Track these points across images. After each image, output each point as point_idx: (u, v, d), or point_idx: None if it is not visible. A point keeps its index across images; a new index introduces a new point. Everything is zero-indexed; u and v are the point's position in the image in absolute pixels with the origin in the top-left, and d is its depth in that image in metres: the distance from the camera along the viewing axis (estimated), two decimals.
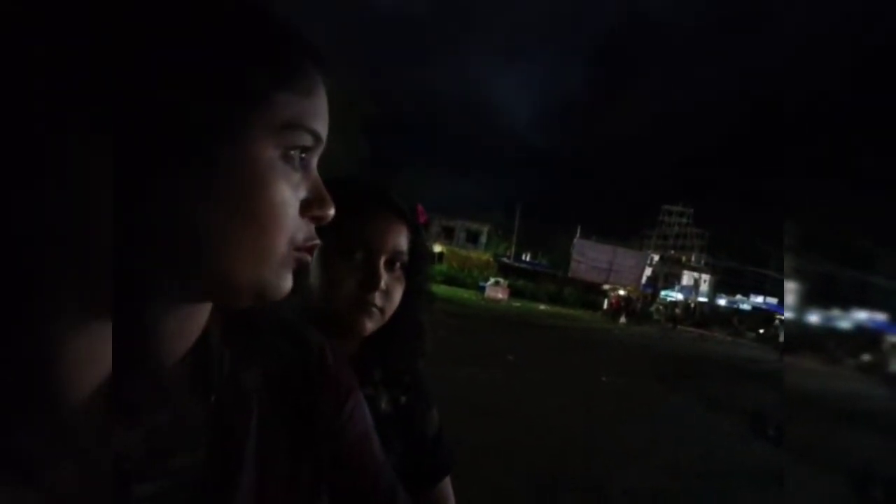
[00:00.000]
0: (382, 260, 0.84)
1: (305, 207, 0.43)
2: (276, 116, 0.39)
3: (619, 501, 4.22)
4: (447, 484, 0.95)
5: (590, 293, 38.98)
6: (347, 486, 0.56)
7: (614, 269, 43.35)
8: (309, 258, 0.43)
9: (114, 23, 0.32)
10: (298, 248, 0.42)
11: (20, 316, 0.33)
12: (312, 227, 0.44)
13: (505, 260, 43.70)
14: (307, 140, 0.41)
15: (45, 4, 0.31)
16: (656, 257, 54.18)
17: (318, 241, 0.44)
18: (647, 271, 47.16)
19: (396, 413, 0.89)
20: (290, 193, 0.41)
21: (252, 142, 0.38)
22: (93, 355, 0.36)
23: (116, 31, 0.32)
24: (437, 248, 38.12)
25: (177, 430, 0.41)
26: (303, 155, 0.42)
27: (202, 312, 0.44)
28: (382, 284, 0.83)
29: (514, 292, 32.90)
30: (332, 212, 0.45)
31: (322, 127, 0.43)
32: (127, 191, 0.32)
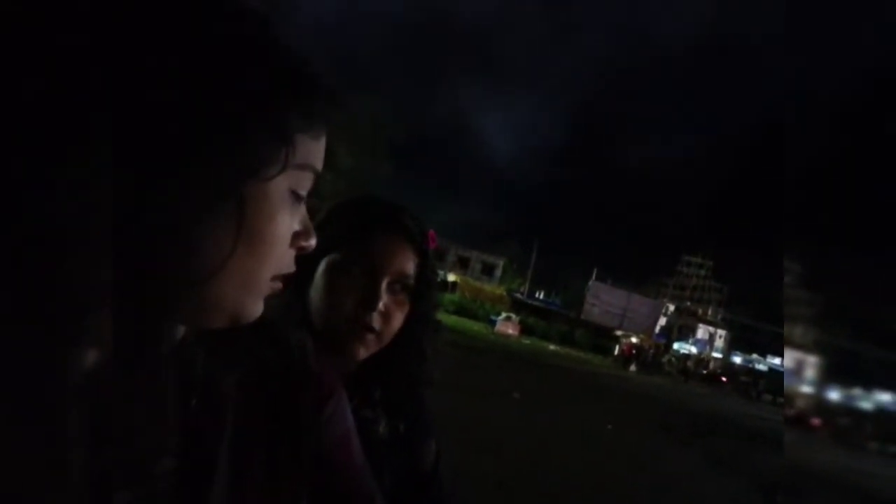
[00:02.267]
0: (385, 281, 0.83)
1: (295, 238, 0.45)
2: (297, 157, 0.41)
3: None
4: None
5: (601, 337, 38.37)
6: (326, 489, 0.55)
7: (628, 315, 42.74)
8: (280, 286, 0.45)
9: (160, 61, 0.34)
10: (276, 277, 0.44)
11: (15, 317, 0.33)
12: (293, 256, 0.46)
13: (518, 296, 43.42)
14: (311, 181, 0.44)
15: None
16: (671, 307, 53.30)
17: (293, 269, 0.46)
18: (662, 321, 46.37)
19: (393, 440, 0.87)
20: (288, 228, 0.43)
21: (271, 180, 0.40)
22: (72, 358, 0.36)
23: (160, 67, 0.34)
24: (452, 278, 38.06)
25: (152, 435, 0.41)
26: (303, 192, 0.44)
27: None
28: (381, 306, 0.82)
29: (525, 329, 32.55)
30: (314, 242, 0.47)
31: (321, 167, 0.45)
32: (147, 212, 0.34)
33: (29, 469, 0.34)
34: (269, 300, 0.44)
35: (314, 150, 0.43)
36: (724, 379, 35.35)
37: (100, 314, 0.35)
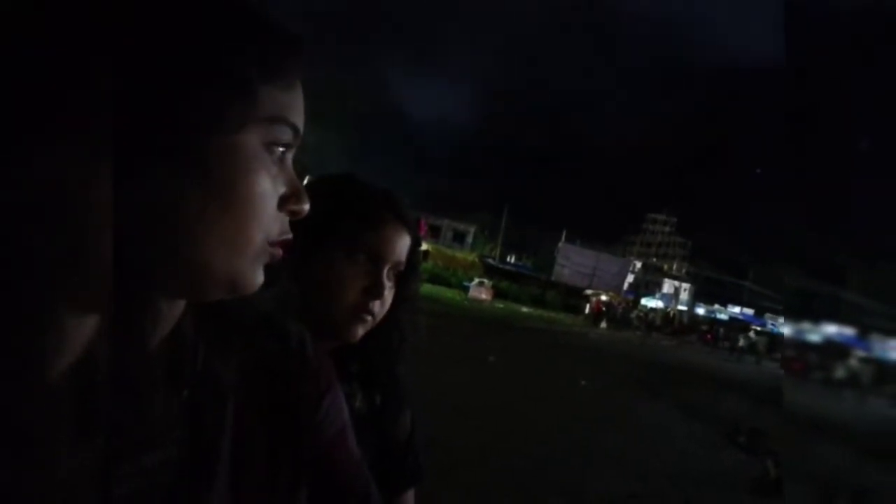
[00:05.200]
0: (386, 268, 0.84)
1: (282, 202, 0.43)
2: (261, 109, 0.39)
3: None
4: (411, 497, 0.93)
5: (572, 297, 39.28)
6: (322, 482, 0.55)
7: (597, 274, 43.79)
8: (280, 253, 0.43)
9: (106, 18, 0.32)
10: (272, 243, 0.42)
11: (5, 304, 0.32)
12: (287, 221, 0.44)
13: (490, 261, 43.83)
14: (288, 135, 0.42)
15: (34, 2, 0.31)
16: (639, 264, 54.80)
17: (290, 236, 0.44)
18: (630, 278, 47.71)
19: (369, 413, 0.88)
20: (269, 186, 0.41)
21: (237, 133, 0.38)
22: (63, 348, 0.35)
23: (108, 25, 0.32)
24: (424, 247, 37.99)
25: (149, 426, 0.40)
26: (282, 149, 0.42)
27: (177, 304, 0.43)
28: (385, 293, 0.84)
29: (498, 293, 33.01)
30: (307, 206, 0.45)
31: (301, 122, 0.43)
32: (111, 177, 0.33)
33: (20, 462, 0.33)
34: (263, 291, 0.43)
35: (286, 102, 0.41)
36: (687, 330, 36.86)
37: (77, 289, 0.34)
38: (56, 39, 0.31)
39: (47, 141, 0.31)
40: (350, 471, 0.59)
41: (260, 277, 0.42)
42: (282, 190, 0.43)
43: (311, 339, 0.55)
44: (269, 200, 0.41)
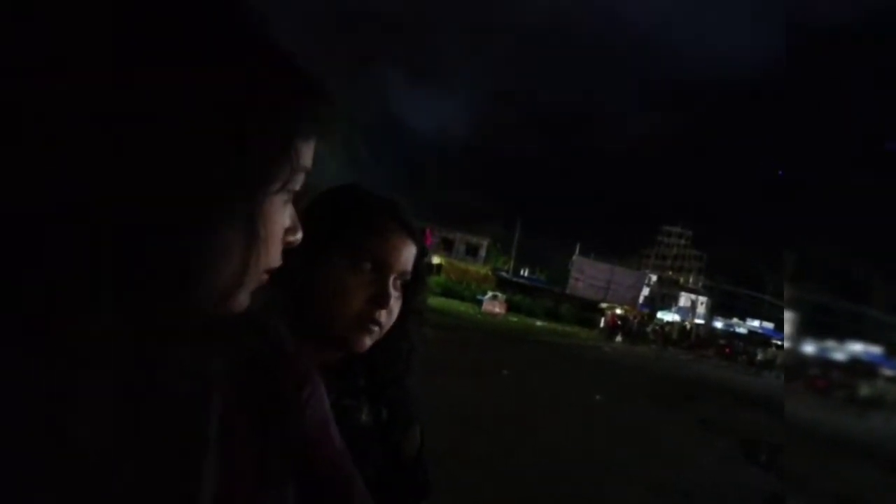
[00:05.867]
0: (392, 277, 0.85)
1: (284, 234, 0.46)
2: (295, 164, 0.42)
3: None
4: None
5: (587, 310, 38.86)
6: (306, 473, 0.56)
7: (612, 287, 43.33)
8: (266, 279, 0.46)
9: (166, 72, 0.35)
10: (265, 271, 0.45)
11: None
12: (281, 250, 0.47)
13: (503, 274, 43.64)
14: (303, 179, 0.45)
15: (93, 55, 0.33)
16: (654, 277, 54.19)
17: (280, 263, 0.47)
18: (645, 291, 47.16)
19: (376, 427, 0.87)
20: (283, 226, 0.44)
21: (276, 183, 0.41)
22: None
23: (180, 89, 0.35)
24: (436, 260, 38.00)
25: (135, 420, 0.41)
26: (296, 189, 0.45)
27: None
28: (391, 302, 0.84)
29: (512, 307, 32.79)
30: (301, 236, 0.48)
31: (311, 163, 0.46)
32: (162, 230, 0.35)
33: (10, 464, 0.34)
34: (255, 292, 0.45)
35: (308, 152, 0.44)
36: (704, 344, 36.21)
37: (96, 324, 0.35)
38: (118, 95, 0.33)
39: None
40: (332, 460, 0.60)
41: (246, 302, 0.45)
42: (286, 224, 0.46)
43: (288, 334, 0.57)
44: (279, 238, 0.45)
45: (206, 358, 0.47)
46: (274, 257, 0.45)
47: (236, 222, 0.39)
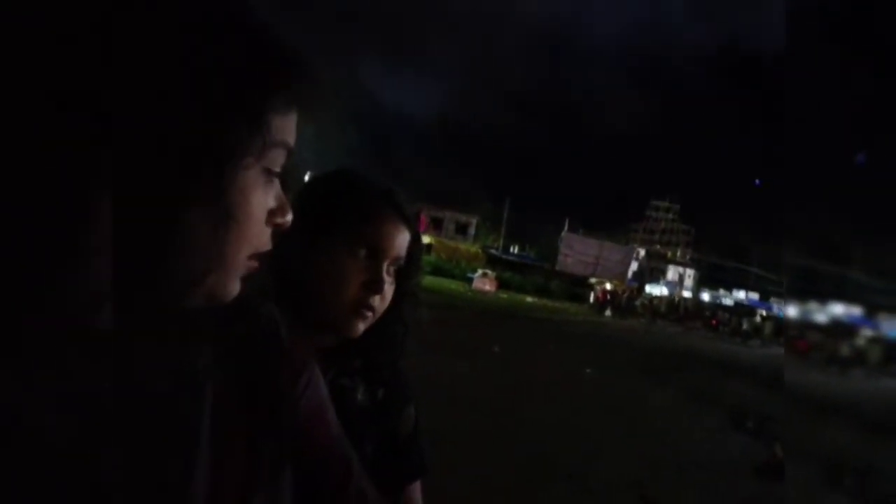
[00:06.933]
0: (386, 263, 0.85)
1: (270, 216, 0.44)
2: (271, 138, 0.40)
3: (600, 492, 4.29)
4: (417, 489, 0.93)
5: (576, 286, 39.28)
6: (303, 459, 0.56)
7: (601, 262, 43.74)
8: (256, 265, 0.44)
9: (131, 49, 0.34)
10: (252, 256, 0.43)
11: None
12: (269, 233, 0.45)
13: (493, 252, 43.81)
14: (283, 157, 0.43)
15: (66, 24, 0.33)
16: (642, 252, 54.71)
17: (269, 248, 0.45)
18: (633, 265, 47.63)
19: (372, 407, 0.89)
20: (263, 206, 0.43)
21: (249, 161, 0.39)
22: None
23: (130, 56, 0.34)
24: (426, 240, 38.07)
25: (126, 411, 0.40)
26: (277, 169, 0.43)
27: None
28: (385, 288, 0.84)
29: (502, 284, 33.04)
30: (290, 218, 0.46)
31: (293, 141, 0.44)
32: (124, 196, 0.34)
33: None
34: (247, 279, 0.44)
35: (287, 127, 0.43)
36: (692, 316, 36.86)
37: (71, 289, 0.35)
38: (81, 65, 0.33)
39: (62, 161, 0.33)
40: (330, 446, 0.60)
41: (236, 288, 0.43)
42: (270, 205, 0.44)
43: (282, 321, 0.56)
44: (260, 219, 0.43)
45: (196, 350, 0.46)
46: (258, 240, 0.43)
47: (204, 199, 0.38)
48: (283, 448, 0.53)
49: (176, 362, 0.45)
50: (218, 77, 0.36)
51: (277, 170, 0.43)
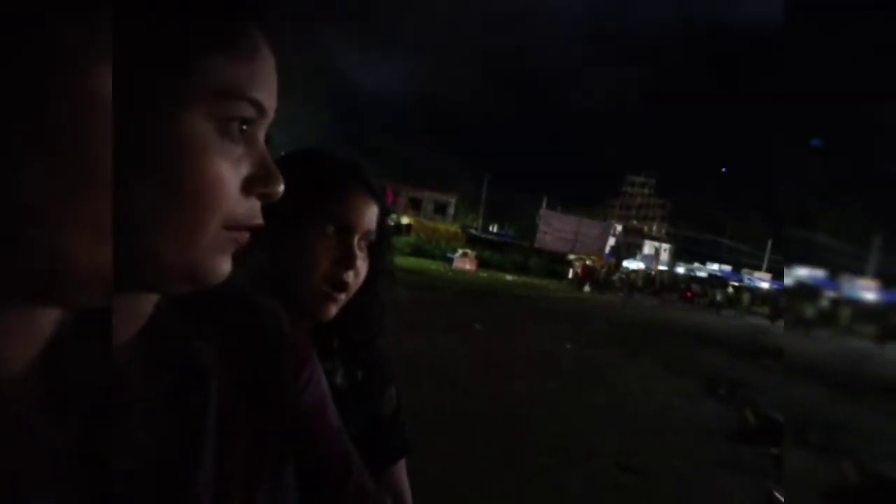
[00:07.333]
0: (356, 238, 0.84)
1: (249, 184, 0.39)
2: (210, 84, 0.35)
3: (582, 463, 4.43)
4: (401, 468, 0.93)
5: (555, 263, 39.64)
6: (303, 454, 0.56)
7: (579, 239, 44.19)
8: (246, 238, 0.40)
9: None
10: (236, 228, 0.39)
11: None
12: (256, 205, 0.41)
13: (472, 231, 43.85)
14: (247, 110, 0.38)
15: None
16: (619, 227, 55.46)
17: (260, 221, 0.41)
18: (611, 241, 48.28)
19: (352, 388, 0.88)
20: (226, 168, 0.37)
21: (181, 111, 0.34)
22: (34, 336, 0.35)
23: None
24: (405, 220, 37.88)
25: (131, 410, 0.40)
26: (244, 127, 0.38)
27: (146, 295, 0.42)
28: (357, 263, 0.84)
29: (482, 263, 33.13)
30: (281, 188, 0.41)
31: (267, 96, 0.39)
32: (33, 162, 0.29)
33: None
34: (238, 260, 0.40)
35: (245, 76, 0.37)
36: (667, 290, 37.70)
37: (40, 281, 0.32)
38: None
39: None
40: (331, 440, 0.60)
41: (224, 267, 0.39)
42: (246, 172, 0.39)
43: (285, 314, 0.55)
44: (226, 184, 0.37)
45: (200, 346, 0.45)
46: (232, 210, 0.38)
47: (135, 153, 0.32)
48: (286, 443, 0.52)
49: (181, 358, 0.44)
50: (128, 9, 0.31)
51: (243, 127, 0.38)
